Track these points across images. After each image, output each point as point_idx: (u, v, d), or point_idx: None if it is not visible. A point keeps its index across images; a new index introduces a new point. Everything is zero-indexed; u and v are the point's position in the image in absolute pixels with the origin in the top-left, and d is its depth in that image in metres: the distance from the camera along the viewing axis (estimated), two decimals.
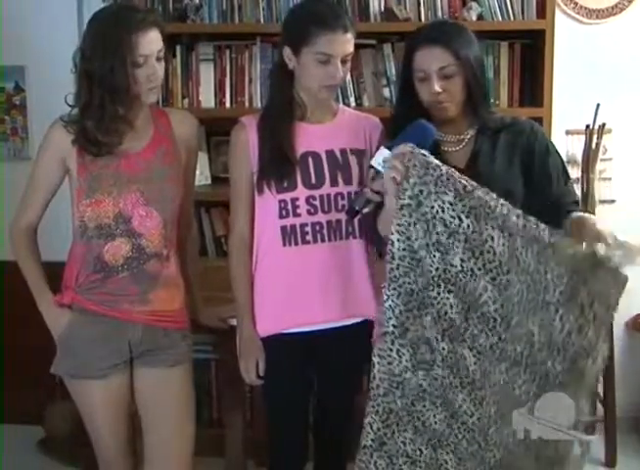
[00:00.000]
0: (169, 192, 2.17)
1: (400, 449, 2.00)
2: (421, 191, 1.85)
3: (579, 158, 3.15)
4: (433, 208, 1.86)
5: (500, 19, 3.00)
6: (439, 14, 3.00)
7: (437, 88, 2.04)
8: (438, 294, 1.91)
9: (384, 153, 1.93)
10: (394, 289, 1.92)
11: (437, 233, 1.88)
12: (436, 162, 1.84)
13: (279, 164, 2.15)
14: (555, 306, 1.78)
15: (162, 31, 2.07)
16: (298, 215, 2.15)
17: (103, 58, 1.99)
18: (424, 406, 1.96)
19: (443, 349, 1.91)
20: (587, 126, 3.05)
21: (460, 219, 1.86)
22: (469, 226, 1.85)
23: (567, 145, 3.26)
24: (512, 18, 3.01)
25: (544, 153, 2.08)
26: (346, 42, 2.09)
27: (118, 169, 2.09)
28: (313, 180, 2.17)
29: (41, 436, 3.26)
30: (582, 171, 3.10)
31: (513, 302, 1.86)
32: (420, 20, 3.00)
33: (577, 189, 3.16)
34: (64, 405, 3.19)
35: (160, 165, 2.15)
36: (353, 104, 3.02)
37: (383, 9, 3.02)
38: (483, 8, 2.98)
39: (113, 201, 2.08)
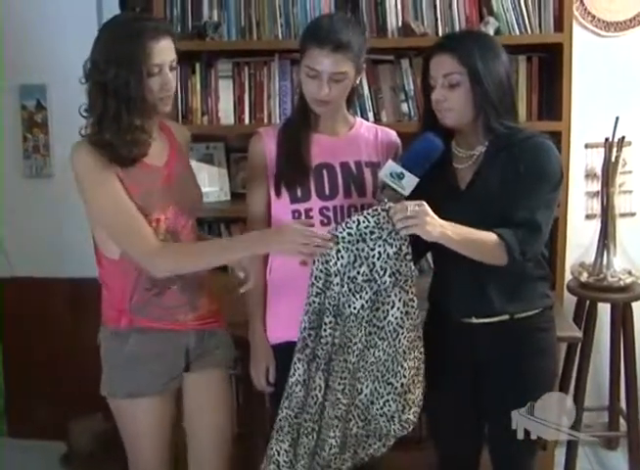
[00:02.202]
0: (196, 197, 2.22)
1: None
2: (372, 232, 1.97)
3: (599, 171, 3.13)
4: (373, 250, 1.99)
5: (517, 33, 2.99)
6: (457, 29, 2.99)
7: (439, 95, 2.05)
8: (330, 322, 2.03)
9: (391, 166, 1.97)
10: (306, 305, 2.04)
11: (359, 272, 2.01)
12: None
13: (294, 172, 2.19)
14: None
15: (174, 41, 2.06)
16: (312, 226, 2.16)
17: (117, 68, 1.96)
18: (304, 420, 2.09)
19: (311, 370, 2.06)
20: (606, 139, 3.03)
21: (384, 273, 2.00)
22: (385, 283, 2.01)
23: (586, 158, 3.25)
24: (529, 32, 3.00)
25: (529, 179, 2.01)
26: (335, 61, 2.07)
27: (162, 185, 2.10)
28: (327, 191, 2.20)
29: (64, 451, 3.27)
30: (602, 185, 3.08)
31: (368, 360, 2.07)
32: (437, 35, 2.99)
33: (597, 203, 3.18)
34: (86, 421, 3.22)
35: (183, 173, 2.18)
36: (372, 119, 3.01)
37: (400, 24, 3.02)
38: (501, 22, 2.98)
39: (165, 217, 2.09)
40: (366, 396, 2.11)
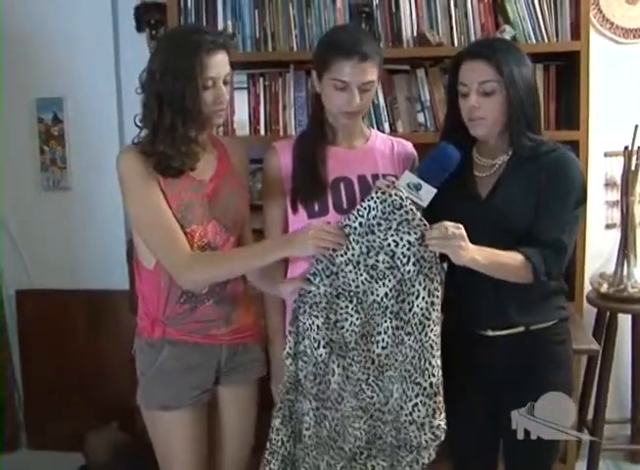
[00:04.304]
0: (239, 216, 2.19)
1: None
2: (379, 223, 1.96)
3: (619, 180, 3.10)
4: (386, 239, 1.98)
5: (534, 41, 2.97)
6: (472, 38, 2.97)
7: (474, 102, 2.02)
8: (346, 307, 2.03)
9: (408, 176, 1.96)
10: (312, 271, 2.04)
11: (377, 260, 2.00)
12: (412, 207, 1.93)
13: (311, 187, 2.18)
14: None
15: (230, 54, 2.06)
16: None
17: (173, 79, 1.97)
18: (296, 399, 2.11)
19: (320, 355, 2.04)
20: (626, 148, 3.00)
21: (408, 262, 1.98)
22: (409, 272, 1.99)
23: (605, 167, 3.22)
24: (546, 40, 2.97)
25: (555, 196, 2.01)
26: (363, 71, 2.08)
27: (204, 199, 2.09)
28: (345, 205, 2.18)
29: (81, 463, 3.27)
30: (622, 194, 3.05)
31: (397, 359, 2.03)
32: (453, 44, 2.98)
33: (617, 212, 3.14)
34: (103, 432, 3.22)
35: (229, 190, 2.15)
36: (388, 129, 3.00)
37: (415, 34, 3.01)
38: (517, 31, 2.95)
39: (202, 231, 2.08)
40: (396, 399, 2.06)
